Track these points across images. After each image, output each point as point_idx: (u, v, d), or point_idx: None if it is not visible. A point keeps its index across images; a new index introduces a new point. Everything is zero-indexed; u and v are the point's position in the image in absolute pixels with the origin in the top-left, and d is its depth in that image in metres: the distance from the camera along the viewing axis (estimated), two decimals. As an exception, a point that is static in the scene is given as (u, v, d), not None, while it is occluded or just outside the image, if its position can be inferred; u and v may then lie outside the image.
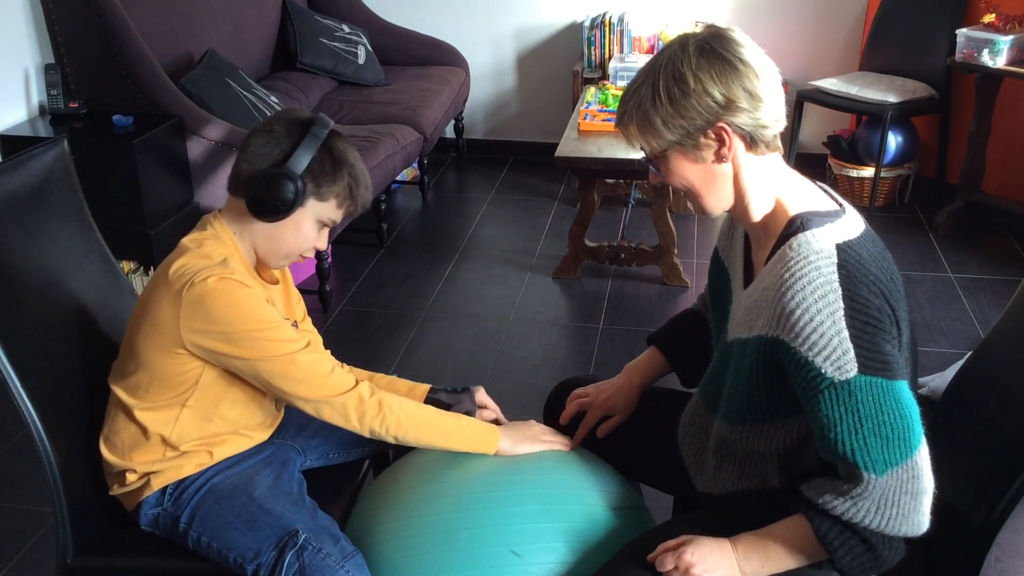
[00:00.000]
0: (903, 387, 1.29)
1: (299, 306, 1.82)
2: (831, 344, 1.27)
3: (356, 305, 3.63)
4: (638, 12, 4.84)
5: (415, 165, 4.64)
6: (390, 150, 3.81)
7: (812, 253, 1.31)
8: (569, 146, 3.68)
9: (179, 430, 1.61)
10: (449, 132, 5.10)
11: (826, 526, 1.32)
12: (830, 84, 4.31)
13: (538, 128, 5.14)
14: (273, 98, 3.80)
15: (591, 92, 4.29)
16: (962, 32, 3.88)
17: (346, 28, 4.67)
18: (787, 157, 4.57)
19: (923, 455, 1.30)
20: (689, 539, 1.41)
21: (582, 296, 3.69)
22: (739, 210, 1.42)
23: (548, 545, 1.50)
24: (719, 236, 1.64)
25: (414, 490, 1.62)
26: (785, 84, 4.93)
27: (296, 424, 1.82)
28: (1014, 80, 3.89)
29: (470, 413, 1.76)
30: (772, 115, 1.35)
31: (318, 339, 1.75)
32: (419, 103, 4.32)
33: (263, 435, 1.73)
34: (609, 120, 3.78)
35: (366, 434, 1.59)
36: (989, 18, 3.85)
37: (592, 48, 4.77)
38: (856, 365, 1.27)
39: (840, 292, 1.28)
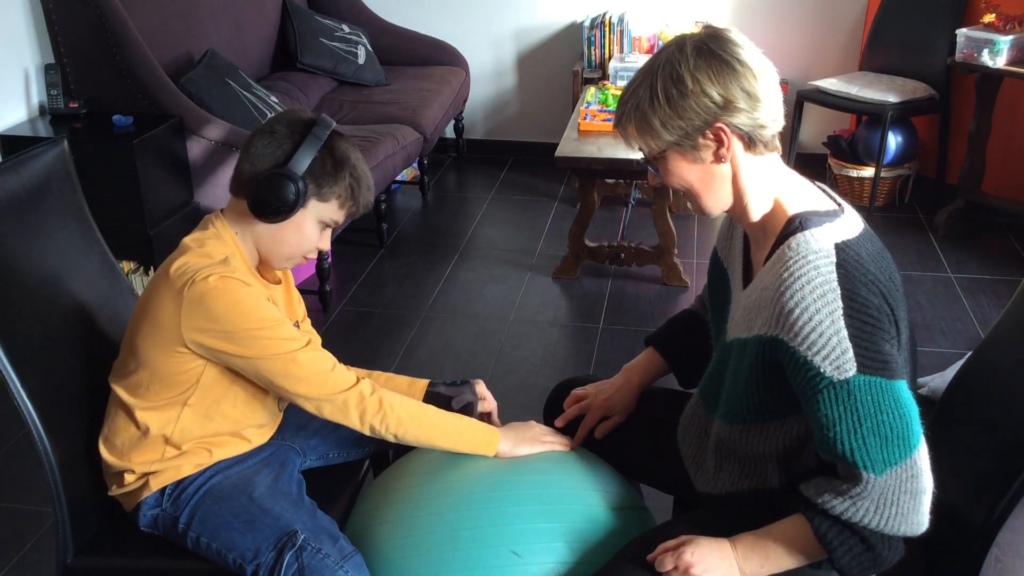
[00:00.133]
0: (902, 386, 1.29)
1: (299, 306, 1.82)
2: (830, 343, 1.27)
3: (356, 305, 3.63)
4: (638, 12, 4.84)
5: (415, 165, 4.64)
6: (390, 150, 3.81)
7: (811, 253, 1.31)
8: (569, 146, 3.68)
9: (180, 429, 1.61)
10: (449, 132, 5.10)
11: (825, 526, 1.32)
12: (830, 84, 4.31)
13: (538, 128, 5.14)
14: (273, 98, 3.80)
15: (591, 92, 4.29)
16: (962, 32, 3.88)
17: (346, 28, 4.67)
18: (787, 157, 4.59)
19: (922, 454, 1.30)
20: (688, 539, 1.41)
21: (582, 296, 3.69)
22: (738, 210, 1.43)
23: (548, 545, 1.50)
24: (718, 236, 1.64)
25: (414, 490, 1.62)
26: (785, 84, 4.93)
27: (295, 424, 1.82)
28: (1014, 80, 3.89)
29: (471, 404, 1.76)
30: (770, 115, 1.35)
31: (317, 339, 1.75)
32: (419, 103, 4.32)
33: (262, 438, 1.73)
34: (609, 120, 3.78)
35: (366, 432, 1.59)
36: (989, 18, 3.85)
37: (592, 48, 4.78)
38: (855, 364, 1.27)
39: (839, 291, 1.28)
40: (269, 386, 1.58)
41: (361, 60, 4.61)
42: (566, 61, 4.97)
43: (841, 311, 1.27)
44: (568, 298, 3.68)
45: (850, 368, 1.27)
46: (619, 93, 1.43)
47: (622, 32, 4.73)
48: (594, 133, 3.80)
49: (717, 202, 1.42)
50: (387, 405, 1.58)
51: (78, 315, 1.75)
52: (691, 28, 1.43)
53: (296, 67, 4.46)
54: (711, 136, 1.35)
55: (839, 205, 1.42)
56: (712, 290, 1.62)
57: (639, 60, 4.57)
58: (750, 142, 1.36)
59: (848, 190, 4.43)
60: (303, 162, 1.54)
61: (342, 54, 4.55)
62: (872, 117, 4.23)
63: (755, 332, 1.36)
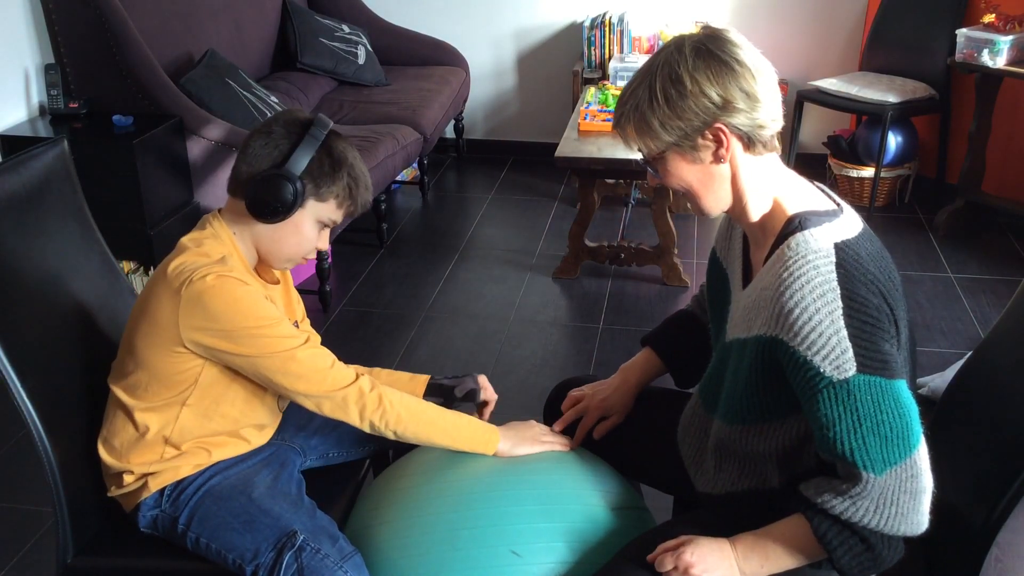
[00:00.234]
0: (902, 386, 1.29)
1: (298, 307, 1.82)
2: (830, 343, 1.27)
3: (356, 305, 3.63)
4: (638, 12, 4.84)
5: (415, 165, 4.64)
6: (390, 150, 3.81)
7: (810, 252, 1.31)
8: (569, 146, 3.68)
9: (179, 429, 1.61)
10: (449, 132, 5.10)
11: (825, 525, 1.32)
12: (830, 84, 4.31)
13: (538, 128, 5.14)
14: (273, 98, 3.80)
15: (591, 92, 4.29)
16: (962, 32, 3.88)
17: (346, 28, 4.67)
18: (787, 157, 4.59)
19: (922, 454, 1.30)
20: (688, 539, 1.41)
21: (582, 296, 3.69)
22: (737, 210, 1.43)
23: (548, 545, 1.50)
24: (717, 236, 1.64)
25: (414, 490, 1.62)
26: (784, 84, 4.93)
27: (295, 424, 1.82)
28: (1014, 80, 3.89)
29: (473, 392, 1.77)
30: (769, 115, 1.35)
31: (317, 339, 1.75)
32: (419, 103, 4.32)
33: (262, 439, 1.72)
34: (609, 120, 3.78)
35: (366, 428, 1.59)
36: (989, 18, 3.85)
37: (592, 48, 4.78)
38: (855, 364, 1.27)
39: (839, 291, 1.28)
40: (268, 384, 1.58)
41: (361, 60, 4.61)
42: (566, 61, 4.97)
43: (841, 311, 1.27)
44: (568, 298, 3.68)
45: (850, 368, 1.27)
46: (619, 93, 1.43)
47: (622, 32, 4.73)
48: (594, 133, 3.80)
49: (716, 202, 1.42)
50: (387, 401, 1.58)
51: (78, 315, 1.75)
52: (691, 28, 1.43)
53: (296, 67, 4.46)
54: (710, 136, 1.35)
55: (838, 205, 1.42)
56: (711, 290, 1.62)
57: (639, 60, 4.57)
58: (749, 142, 1.36)
59: (848, 190, 4.43)
60: (301, 162, 1.54)
61: (342, 54, 4.56)
62: (872, 117, 4.23)
63: (755, 332, 1.36)
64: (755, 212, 1.41)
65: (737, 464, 1.48)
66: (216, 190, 3.42)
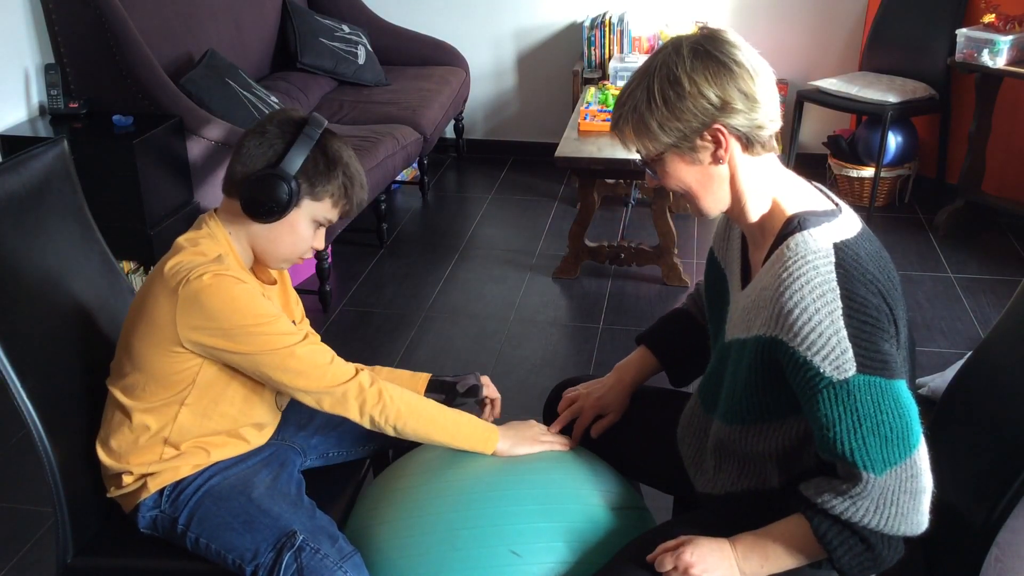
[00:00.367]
0: (901, 386, 1.29)
1: (297, 307, 1.82)
2: (829, 343, 1.27)
3: (356, 305, 3.63)
4: (638, 12, 4.84)
5: (415, 165, 4.64)
6: (390, 150, 3.81)
7: (810, 253, 1.31)
8: (569, 146, 3.68)
9: (178, 429, 1.60)
10: (449, 132, 5.10)
11: (825, 525, 1.32)
12: (830, 84, 4.31)
13: (538, 128, 5.14)
14: (273, 98, 3.80)
15: (591, 92, 4.29)
16: (962, 32, 3.88)
17: (346, 28, 4.67)
18: (787, 157, 4.59)
19: (922, 454, 1.30)
20: (688, 539, 1.41)
21: (582, 296, 3.69)
22: (736, 211, 1.42)
23: (548, 545, 1.50)
24: (715, 236, 1.64)
25: (414, 490, 1.62)
26: (784, 84, 4.92)
27: (295, 424, 1.82)
28: (1014, 80, 3.89)
29: (475, 388, 1.78)
30: (767, 115, 1.35)
31: (316, 337, 1.75)
32: (419, 103, 4.32)
33: (262, 439, 1.72)
34: (609, 120, 3.78)
35: (366, 424, 1.59)
36: (989, 18, 3.85)
37: (592, 48, 4.78)
38: (855, 364, 1.27)
39: (838, 291, 1.28)
40: (268, 381, 1.58)
41: (361, 60, 4.61)
42: (566, 61, 4.97)
43: (840, 311, 1.27)
44: (568, 298, 3.68)
45: (850, 368, 1.27)
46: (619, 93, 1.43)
47: (622, 32, 4.73)
48: (594, 133, 3.81)
49: (715, 203, 1.41)
50: (386, 396, 1.58)
51: (78, 315, 1.75)
52: (691, 28, 1.43)
53: (296, 67, 4.46)
54: (709, 137, 1.35)
55: (836, 205, 1.42)
56: (709, 290, 1.62)
57: (639, 60, 4.56)
58: (748, 143, 1.36)
59: (848, 190, 4.43)
60: (295, 161, 1.54)
61: (342, 54, 4.56)
62: (872, 117, 4.23)
63: (754, 332, 1.36)
64: (754, 213, 1.41)
65: (737, 464, 1.48)
66: (216, 190, 3.41)
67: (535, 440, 1.68)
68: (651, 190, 3.97)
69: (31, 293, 1.65)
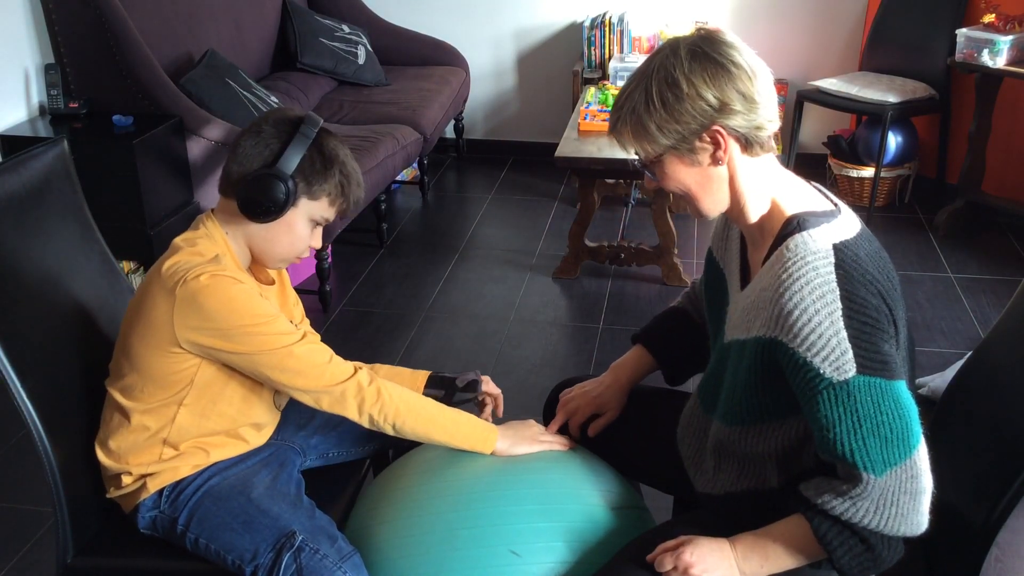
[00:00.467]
0: (901, 387, 1.29)
1: (296, 308, 1.82)
2: (829, 345, 1.27)
3: (356, 305, 3.63)
4: (638, 12, 4.84)
5: (415, 165, 4.64)
6: (390, 150, 3.81)
7: (809, 254, 1.31)
8: (569, 146, 3.68)
9: (176, 429, 1.60)
10: (449, 132, 5.10)
11: (825, 526, 1.32)
12: (830, 84, 4.31)
13: (538, 128, 5.14)
14: (273, 98, 3.80)
15: (591, 92, 4.29)
16: (962, 32, 3.88)
17: (346, 28, 4.67)
18: (787, 157, 4.59)
19: (922, 455, 1.30)
20: (688, 539, 1.41)
21: (582, 296, 3.69)
22: (735, 212, 1.42)
23: (547, 545, 1.50)
24: (713, 236, 1.64)
25: (413, 490, 1.62)
26: (783, 84, 4.92)
27: (295, 424, 1.82)
28: (1014, 80, 3.89)
29: (474, 383, 1.78)
30: (766, 116, 1.35)
31: (315, 336, 1.75)
32: (419, 103, 4.32)
33: (261, 439, 1.72)
34: (609, 120, 3.78)
35: (365, 423, 1.59)
36: (989, 18, 3.85)
37: (592, 48, 4.77)
38: (855, 365, 1.27)
39: (838, 292, 1.28)
40: (266, 381, 1.58)
41: (361, 60, 4.61)
42: (566, 61, 4.97)
43: (840, 312, 1.27)
44: (568, 298, 3.68)
45: (850, 369, 1.27)
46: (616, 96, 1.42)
47: (622, 32, 4.73)
48: (594, 133, 3.80)
49: (715, 204, 1.41)
50: (386, 394, 1.58)
51: (78, 315, 1.75)
52: (691, 28, 1.42)
53: (296, 67, 4.46)
54: (708, 139, 1.34)
55: (835, 205, 1.42)
56: (708, 291, 1.62)
57: (639, 60, 4.56)
58: (747, 144, 1.35)
59: (848, 190, 4.43)
60: (292, 161, 1.54)
61: (342, 54, 4.55)
62: (872, 117, 4.23)
63: (754, 333, 1.36)
64: (754, 213, 1.41)
65: (736, 464, 1.48)
66: (216, 190, 3.41)
67: (534, 440, 1.68)
68: (651, 190, 3.96)
69: (31, 293, 1.65)
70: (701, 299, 1.76)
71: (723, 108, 1.32)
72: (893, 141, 4.26)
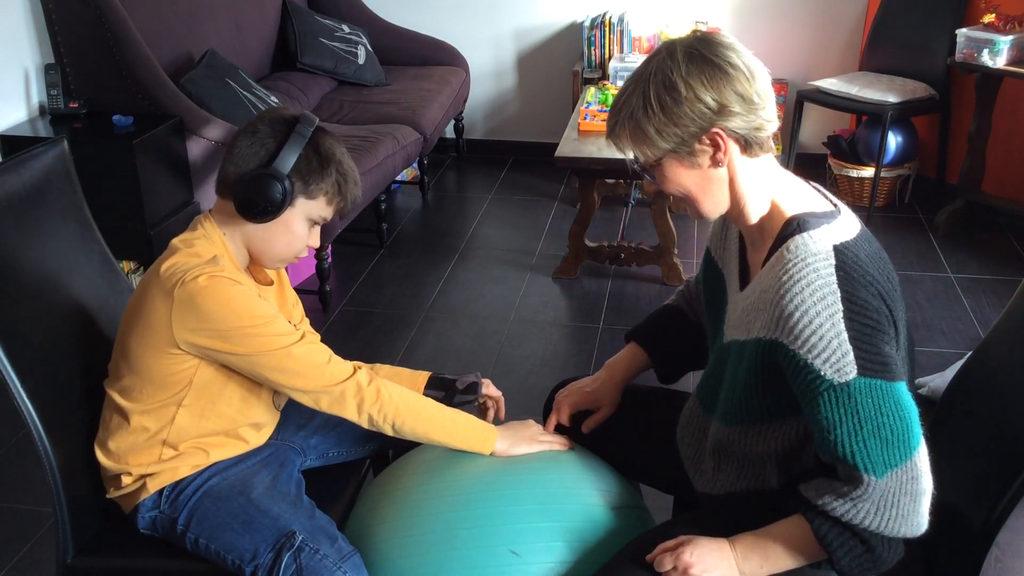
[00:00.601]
0: (902, 388, 1.29)
1: (296, 308, 1.82)
2: (830, 346, 1.27)
3: (356, 305, 3.63)
4: (638, 12, 4.84)
5: (415, 165, 4.64)
6: (390, 150, 3.81)
7: (810, 255, 1.31)
8: (569, 146, 3.68)
9: (176, 430, 1.60)
10: (449, 132, 5.10)
11: (825, 527, 1.32)
12: (830, 84, 4.31)
13: (538, 128, 5.14)
14: (273, 98, 3.80)
15: (591, 92, 4.29)
16: (962, 32, 3.88)
17: (346, 28, 4.67)
18: (787, 157, 4.58)
19: (922, 456, 1.30)
20: (687, 539, 1.41)
21: (582, 296, 3.69)
22: (735, 213, 1.42)
23: (547, 545, 1.50)
24: (711, 236, 1.64)
25: (413, 490, 1.62)
26: (783, 84, 4.91)
27: (295, 424, 1.82)
28: (1014, 80, 3.89)
29: (474, 385, 1.78)
30: (765, 117, 1.34)
31: (315, 336, 1.75)
32: (419, 103, 4.32)
33: (260, 439, 1.72)
34: (609, 120, 3.78)
35: (364, 423, 1.59)
36: (989, 18, 3.85)
37: (592, 48, 4.77)
38: (855, 367, 1.27)
39: (839, 294, 1.28)
40: (265, 382, 1.57)
41: (361, 60, 4.61)
42: (566, 61, 4.97)
43: (841, 314, 1.27)
44: (568, 298, 3.68)
45: (851, 371, 1.27)
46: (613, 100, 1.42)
47: (622, 32, 4.73)
48: (594, 133, 3.80)
49: (715, 206, 1.41)
50: (385, 394, 1.58)
51: (78, 315, 1.75)
52: (691, 28, 1.42)
53: (296, 67, 4.46)
54: (707, 141, 1.34)
55: (835, 206, 1.42)
56: (707, 290, 1.62)
57: (639, 60, 4.54)
58: (746, 145, 1.35)
59: (848, 190, 4.43)
60: (288, 160, 1.54)
61: (342, 54, 4.56)
62: (872, 117, 4.23)
63: (754, 335, 1.36)
64: (754, 214, 1.41)
65: (736, 465, 1.48)
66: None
67: (533, 440, 1.68)
68: (651, 192, 3.96)
69: (31, 293, 1.65)
70: (696, 297, 1.76)
71: (722, 110, 1.32)
72: (893, 141, 4.26)
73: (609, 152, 3.57)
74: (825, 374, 1.27)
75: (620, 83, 4.35)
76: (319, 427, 1.83)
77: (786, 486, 1.43)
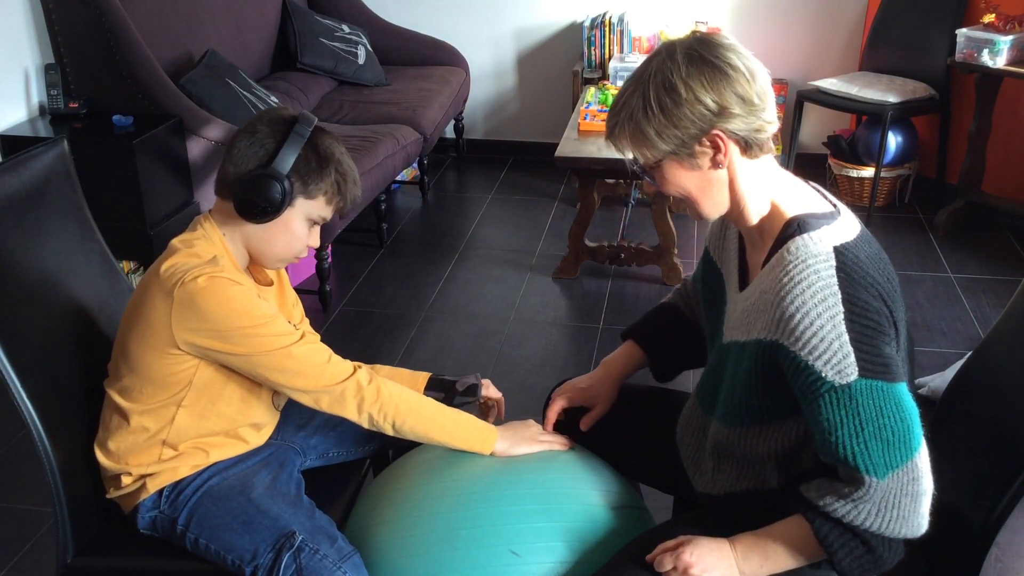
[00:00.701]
0: (903, 389, 1.29)
1: (296, 308, 1.82)
2: (831, 348, 1.27)
3: (356, 305, 3.63)
4: (638, 12, 4.84)
5: (415, 165, 4.64)
6: (390, 150, 3.81)
7: (810, 257, 1.31)
8: (569, 146, 3.68)
9: (176, 430, 1.60)
10: (449, 132, 5.10)
11: (826, 528, 1.32)
12: (830, 84, 4.31)
13: (538, 128, 5.14)
14: (273, 98, 3.80)
15: (591, 92, 4.30)
16: (962, 32, 3.88)
17: (346, 28, 4.67)
18: (787, 157, 4.58)
19: (923, 457, 1.30)
20: (687, 539, 1.41)
21: (582, 296, 3.69)
22: (735, 214, 1.42)
23: (547, 545, 1.50)
24: (710, 236, 1.64)
25: (413, 490, 1.62)
26: (783, 84, 4.90)
27: (295, 424, 1.82)
28: (1014, 80, 3.89)
29: (474, 387, 1.78)
30: (766, 118, 1.34)
31: (315, 337, 1.75)
32: (419, 103, 4.32)
33: (260, 439, 1.72)
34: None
35: (364, 423, 1.59)
36: (989, 18, 3.85)
37: (592, 48, 4.77)
38: (857, 369, 1.26)
39: (840, 296, 1.28)
40: (265, 382, 1.57)
41: (361, 60, 4.61)
42: (566, 61, 4.97)
43: (842, 315, 1.27)
44: (568, 298, 3.68)
45: (852, 372, 1.27)
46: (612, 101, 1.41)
47: (622, 32, 4.73)
48: (594, 133, 3.80)
49: (715, 207, 1.41)
50: (385, 394, 1.58)
51: (78, 315, 1.75)
52: (691, 28, 1.42)
53: (296, 67, 4.46)
54: (708, 143, 1.34)
55: (835, 206, 1.42)
56: (706, 290, 1.61)
57: (639, 60, 4.55)
58: (746, 146, 1.35)
59: (848, 190, 4.43)
60: (287, 160, 1.54)
61: (342, 54, 4.56)
62: (872, 117, 4.23)
63: (754, 336, 1.36)
64: (754, 215, 1.41)
65: (735, 465, 1.48)
66: (216, 190, 3.41)
67: (533, 440, 1.68)
68: (651, 193, 3.96)
69: (31, 293, 1.65)
70: (693, 296, 1.76)
71: (722, 112, 1.31)
72: (893, 141, 4.26)
73: (609, 152, 3.57)
74: (826, 376, 1.27)
75: (620, 83, 4.35)
76: (319, 427, 1.83)
77: (786, 486, 1.43)
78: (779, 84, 4.71)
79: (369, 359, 1.81)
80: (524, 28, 5.00)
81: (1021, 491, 1.40)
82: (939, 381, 2.37)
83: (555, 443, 1.70)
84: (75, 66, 3.43)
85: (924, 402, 1.38)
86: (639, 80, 1.35)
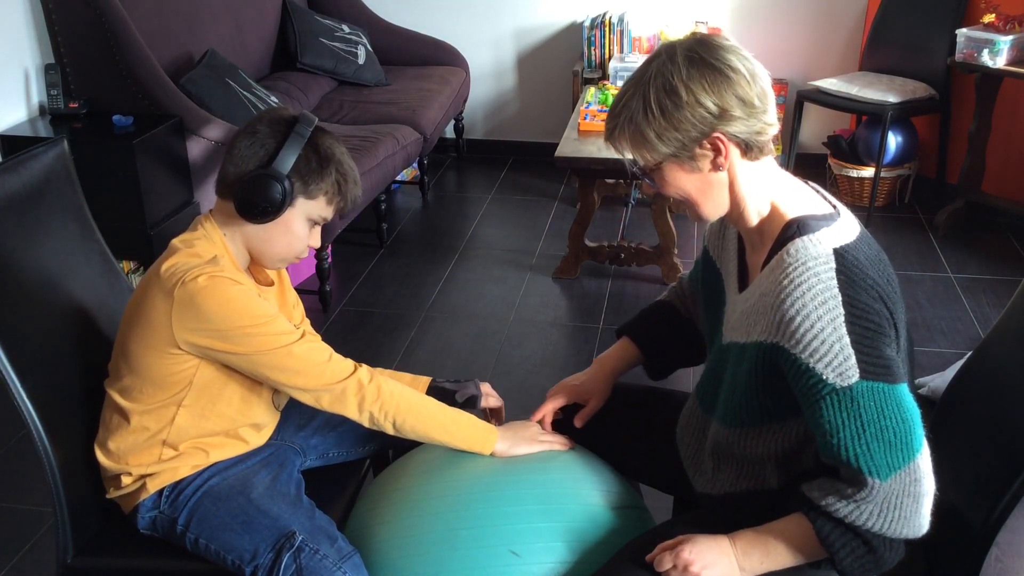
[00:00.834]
0: (904, 390, 1.29)
1: (296, 309, 1.82)
2: (832, 350, 1.27)
3: (356, 305, 3.63)
4: (638, 12, 4.84)
5: (415, 165, 4.64)
6: (390, 150, 3.81)
7: (810, 259, 1.31)
8: (569, 146, 3.68)
9: (176, 430, 1.60)
10: (449, 132, 5.10)
11: (828, 527, 1.32)
12: (830, 84, 4.31)
13: (538, 128, 5.14)
14: (273, 98, 3.80)
15: (591, 92, 4.29)
16: (962, 32, 3.88)
17: (346, 28, 4.67)
18: (787, 157, 4.58)
19: (924, 458, 1.30)
20: (687, 538, 1.41)
21: (582, 296, 3.69)
22: (735, 215, 1.42)
23: (547, 545, 1.50)
24: (709, 236, 1.63)
25: (413, 490, 1.62)
26: (783, 84, 4.91)
27: (295, 424, 1.82)
28: (1014, 80, 3.89)
29: (475, 397, 1.77)
30: (766, 120, 1.34)
31: (315, 336, 1.75)
32: (419, 103, 4.32)
33: (260, 439, 1.72)
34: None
35: (365, 421, 1.59)
36: (989, 18, 3.85)
37: (592, 48, 4.77)
38: (858, 371, 1.26)
39: (840, 298, 1.28)
40: (266, 381, 1.57)
41: (361, 60, 4.61)
42: (566, 61, 4.97)
43: (843, 318, 1.27)
44: (568, 298, 3.68)
45: (853, 374, 1.26)
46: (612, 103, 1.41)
47: (622, 32, 4.73)
48: (594, 133, 3.80)
49: (715, 209, 1.41)
50: (386, 392, 1.58)
51: (78, 315, 1.75)
52: (691, 28, 1.42)
53: (296, 67, 4.46)
54: (708, 146, 1.33)
55: (834, 207, 1.41)
56: (705, 290, 1.61)
57: (639, 60, 4.56)
58: (747, 148, 1.35)
59: (848, 190, 4.43)
60: (288, 161, 1.54)
61: (342, 54, 4.55)
62: (872, 117, 4.23)
63: (754, 338, 1.36)
64: (753, 217, 1.41)
65: (735, 465, 1.48)
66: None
67: (534, 440, 1.68)
68: (651, 195, 3.97)
69: (31, 293, 1.65)
70: (689, 294, 1.76)
71: (723, 115, 1.31)
72: (893, 141, 4.26)
73: (609, 152, 3.53)
74: (827, 378, 1.27)
75: (620, 83, 4.35)
76: (319, 427, 1.83)
77: (786, 487, 1.43)
78: (779, 84, 4.71)
79: (369, 359, 1.81)
80: (524, 28, 5.00)
81: (1021, 491, 1.40)
82: (939, 381, 2.36)
83: (555, 443, 1.69)
84: (75, 66, 3.43)
85: (924, 402, 1.38)
86: (639, 82, 1.34)
